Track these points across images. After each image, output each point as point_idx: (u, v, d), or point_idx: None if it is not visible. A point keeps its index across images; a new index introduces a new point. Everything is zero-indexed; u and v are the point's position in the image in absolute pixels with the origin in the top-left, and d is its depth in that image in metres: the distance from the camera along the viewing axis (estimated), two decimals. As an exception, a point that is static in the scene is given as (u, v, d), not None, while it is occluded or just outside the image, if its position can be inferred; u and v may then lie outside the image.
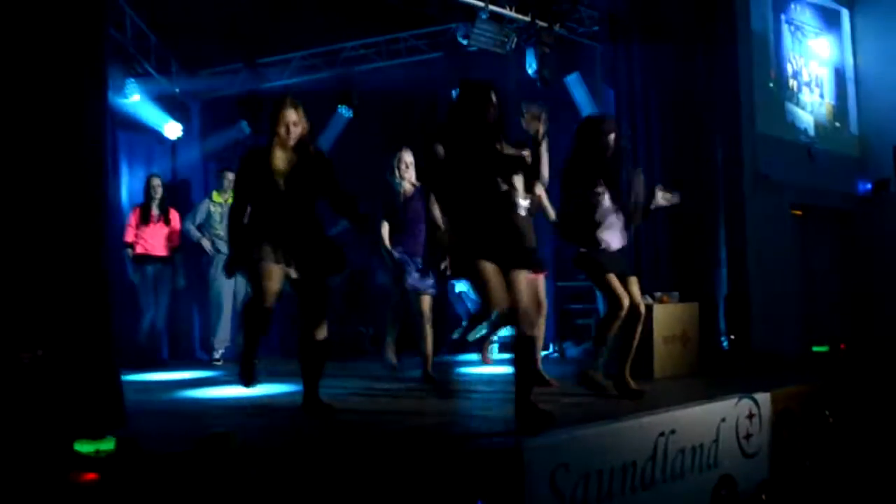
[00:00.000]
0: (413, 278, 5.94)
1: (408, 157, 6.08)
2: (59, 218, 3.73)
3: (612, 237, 5.05)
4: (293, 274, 4.45)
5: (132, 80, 8.02)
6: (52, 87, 3.73)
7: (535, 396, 4.24)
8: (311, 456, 3.49)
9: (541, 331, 5.08)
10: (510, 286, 4.18)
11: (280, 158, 4.45)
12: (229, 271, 4.69)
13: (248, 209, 4.53)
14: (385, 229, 6.07)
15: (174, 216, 7.72)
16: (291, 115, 4.47)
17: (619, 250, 5.10)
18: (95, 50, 3.96)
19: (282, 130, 4.44)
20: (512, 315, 4.23)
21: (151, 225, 7.53)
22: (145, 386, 5.97)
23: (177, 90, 8.62)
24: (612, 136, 5.08)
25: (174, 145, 8.74)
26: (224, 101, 8.91)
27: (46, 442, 3.24)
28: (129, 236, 7.50)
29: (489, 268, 4.13)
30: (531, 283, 4.53)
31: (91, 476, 2.74)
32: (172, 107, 8.55)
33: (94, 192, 3.91)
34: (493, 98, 4.26)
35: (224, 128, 8.89)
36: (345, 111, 8.82)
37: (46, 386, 3.53)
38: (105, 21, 4.15)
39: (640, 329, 5.18)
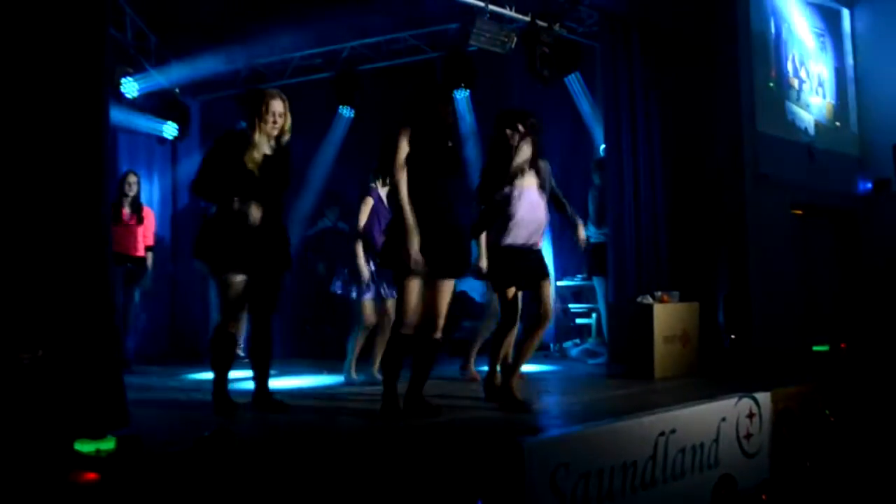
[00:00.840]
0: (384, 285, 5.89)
1: None
2: (59, 217, 3.73)
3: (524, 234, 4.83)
4: (249, 275, 4.47)
5: (132, 79, 7.99)
6: (52, 87, 3.73)
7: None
8: (311, 454, 3.49)
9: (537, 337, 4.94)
10: (434, 293, 4.33)
11: (258, 149, 4.46)
12: (198, 253, 4.59)
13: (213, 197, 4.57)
14: (363, 222, 5.95)
15: (148, 214, 7.45)
16: (279, 107, 4.49)
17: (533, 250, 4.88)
18: (96, 50, 3.95)
19: (269, 119, 4.46)
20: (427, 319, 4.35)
21: (123, 224, 7.18)
22: (146, 385, 5.97)
23: (177, 90, 8.62)
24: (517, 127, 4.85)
25: (174, 146, 8.73)
26: (224, 101, 8.91)
27: (47, 442, 3.24)
28: None
29: (413, 282, 4.25)
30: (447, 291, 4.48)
31: (91, 476, 2.74)
32: (172, 107, 8.54)
33: (95, 191, 3.91)
34: (451, 100, 4.48)
35: (224, 128, 8.87)
36: (346, 111, 8.82)
37: (47, 386, 3.53)
38: (106, 21, 4.15)
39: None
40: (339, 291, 6.05)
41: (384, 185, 5.64)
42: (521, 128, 4.83)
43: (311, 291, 8.65)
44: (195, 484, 2.91)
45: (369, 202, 5.96)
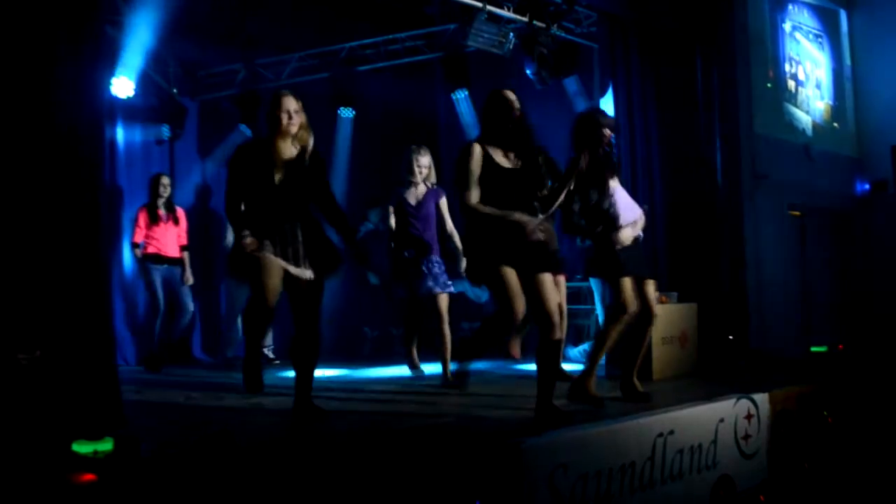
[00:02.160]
0: (427, 280, 5.95)
1: (424, 159, 6.08)
2: (56, 218, 3.72)
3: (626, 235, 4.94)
4: (292, 269, 4.31)
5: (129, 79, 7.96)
6: (48, 87, 3.72)
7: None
8: (310, 456, 3.49)
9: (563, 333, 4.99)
10: (535, 290, 4.18)
11: (280, 149, 4.37)
12: (232, 269, 4.56)
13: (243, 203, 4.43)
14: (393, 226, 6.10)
15: (181, 214, 7.65)
16: (292, 104, 4.40)
17: (633, 249, 4.99)
18: (92, 49, 3.95)
19: (284, 117, 4.35)
20: (540, 319, 4.21)
21: (161, 224, 7.41)
22: (145, 386, 5.96)
23: (174, 90, 8.61)
24: (607, 130, 4.95)
25: (172, 147, 8.72)
26: (222, 101, 8.90)
27: (44, 443, 3.23)
28: (139, 237, 7.38)
29: (510, 273, 4.13)
30: (555, 286, 4.45)
31: (89, 477, 2.73)
32: (170, 108, 8.53)
33: (92, 191, 3.90)
34: (517, 104, 4.32)
35: (222, 128, 8.88)
36: (346, 112, 8.82)
37: (44, 387, 3.52)
38: (101, 19, 4.15)
39: (650, 331, 5.18)
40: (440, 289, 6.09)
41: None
42: (608, 131, 4.92)
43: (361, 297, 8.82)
44: (193, 485, 2.91)
45: (391, 211, 6.17)
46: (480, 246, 4.22)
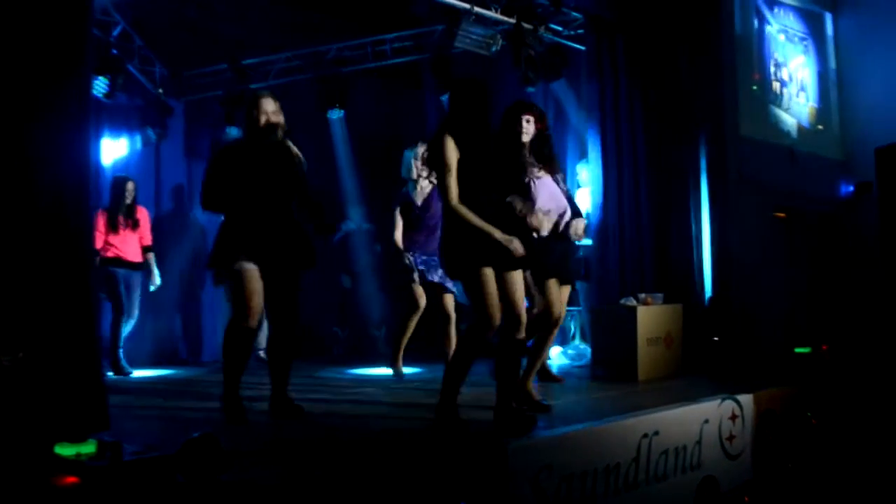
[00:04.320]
0: (437, 276, 5.91)
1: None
2: (40, 219, 3.70)
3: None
4: (267, 268, 4.36)
5: (115, 80, 7.92)
6: (33, 88, 3.70)
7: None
8: (295, 458, 3.48)
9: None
10: (506, 287, 4.09)
11: (258, 149, 4.44)
12: (217, 279, 4.60)
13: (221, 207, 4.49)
14: (399, 232, 6.04)
15: (143, 215, 7.40)
16: (270, 105, 4.49)
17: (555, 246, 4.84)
18: (78, 51, 3.93)
19: (262, 119, 4.43)
20: (508, 316, 4.11)
21: (121, 231, 7.17)
22: (129, 388, 5.94)
23: (160, 91, 8.58)
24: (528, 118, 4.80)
25: (158, 148, 8.69)
26: (208, 102, 8.88)
27: (27, 445, 3.21)
28: (98, 242, 7.07)
29: (490, 277, 4.04)
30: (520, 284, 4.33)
31: (71, 479, 2.72)
32: (156, 108, 8.50)
33: (76, 192, 3.88)
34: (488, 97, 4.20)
35: (208, 129, 8.86)
36: (333, 114, 8.81)
37: (27, 388, 3.50)
38: (89, 22, 4.12)
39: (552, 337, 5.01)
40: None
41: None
42: (530, 117, 4.78)
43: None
44: (177, 489, 2.90)
45: (397, 212, 6.14)
46: (462, 243, 4.11)
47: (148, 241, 7.41)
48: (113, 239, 7.18)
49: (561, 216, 4.83)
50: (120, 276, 7.19)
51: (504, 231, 4.04)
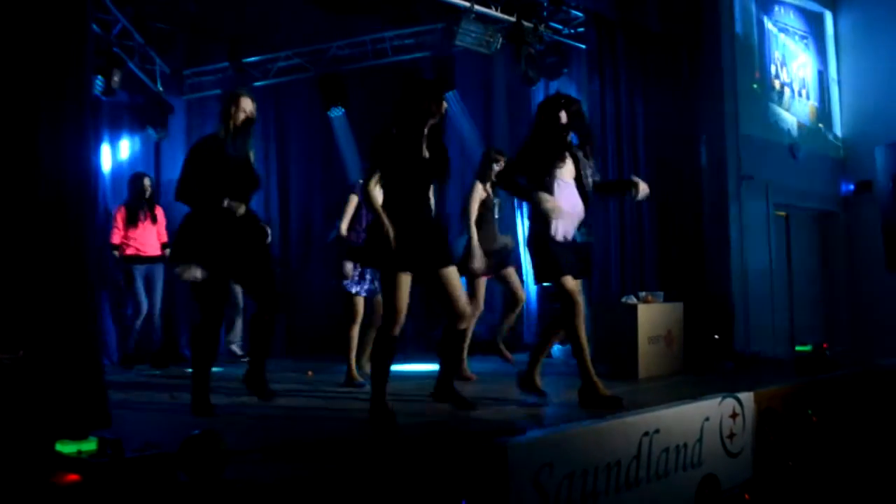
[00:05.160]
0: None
1: None
2: (40, 217, 3.70)
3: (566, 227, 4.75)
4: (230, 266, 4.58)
5: (111, 77, 7.91)
6: (33, 85, 3.70)
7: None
8: (296, 456, 3.48)
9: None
10: (442, 286, 4.27)
11: (233, 145, 4.62)
12: (177, 258, 4.69)
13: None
14: (346, 219, 5.97)
15: (160, 212, 7.66)
16: (249, 105, 4.65)
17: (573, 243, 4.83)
18: (79, 48, 3.93)
19: (241, 116, 4.60)
20: (449, 311, 4.34)
21: (140, 225, 7.45)
22: (130, 386, 5.94)
23: (161, 89, 8.58)
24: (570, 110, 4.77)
25: (158, 145, 8.69)
26: (209, 100, 8.87)
27: (28, 443, 3.21)
28: (116, 238, 7.39)
29: (405, 282, 4.19)
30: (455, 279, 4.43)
31: (73, 477, 2.72)
32: (157, 106, 8.50)
33: (77, 190, 3.88)
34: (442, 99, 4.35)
35: (209, 127, 8.84)
36: (335, 112, 8.81)
37: (28, 386, 3.50)
38: (89, 19, 4.12)
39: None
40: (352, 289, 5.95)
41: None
42: (566, 115, 4.74)
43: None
44: (178, 486, 2.90)
45: (353, 200, 5.98)
46: (381, 243, 4.22)
47: (164, 237, 7.63)
48: (132, 234, 7.42)
49: (575, 223, 4.80)
50: (139, 273, 7.40)
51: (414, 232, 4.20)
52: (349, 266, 5.77)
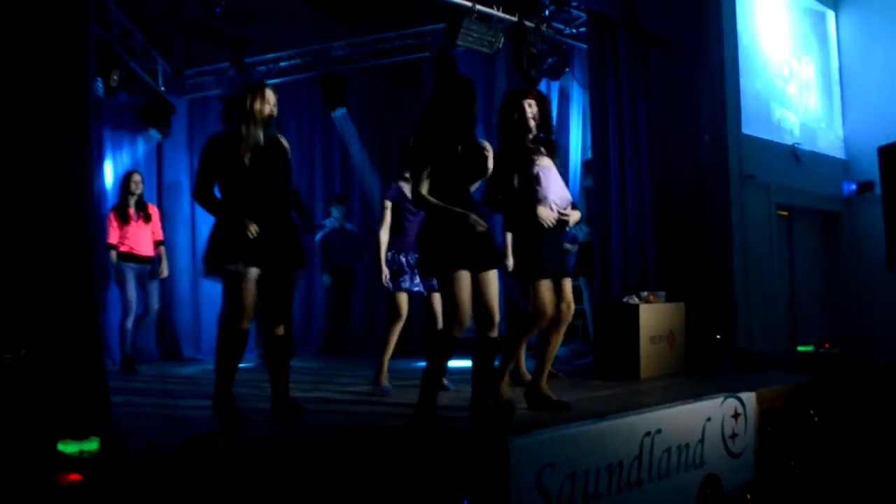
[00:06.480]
0: (413, 275, 5.78)
1: None
2: (43, 218, 3.70)
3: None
4: (264, 269, 4.35)
5: (110, 76, 7.89)
6: (35, 86, 3.70)
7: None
8: (298, 456, 3.48)
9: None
10: (480, 288, 4.10)
11: (252, 140, 4.39)
12: (211, 265, 4.49)
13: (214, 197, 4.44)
14: (386, 227, 5.92)
15: (153, 210, 7.54)
16: (273, 97, 4.48)
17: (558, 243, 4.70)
18: (80, 48, 3.93)
19: (266, 109, 4.40)
20: (481, 316, 4.13)
21: (132, 224, 7.31)
22: (131, 386, 5.94)
23: (163, 89, 8.58)
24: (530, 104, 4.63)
25: (160, 145, 8.69)
26: (210, 100, 8.88)
27: (30, 442, 3.21)
28: (112, 238, 7.25)
29: (465, 280, 4.03)
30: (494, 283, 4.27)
31: (75, 477, 2.72)
32: (159, 106, 8.49)
33: (79, 191, 3.88)
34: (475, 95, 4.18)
35: (211, 127, 8.85)
36: (337, 112, 8.80)
37: (30, 386, 3.50)
38: (90, 18, 4.12)
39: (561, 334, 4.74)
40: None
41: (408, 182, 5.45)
42: (531, 101, 4.65)
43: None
44: (180, 486, 2.89)
45: (388, 206, 5.92)
46: (438, 243, 4.09)
47: (159, 235, 7.54)
48: (125, 232, 7.30)
49: (565, 209, 4.66)
50: (132, 273, 7.28)
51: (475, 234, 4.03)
52: (386, 272, 5.73)
